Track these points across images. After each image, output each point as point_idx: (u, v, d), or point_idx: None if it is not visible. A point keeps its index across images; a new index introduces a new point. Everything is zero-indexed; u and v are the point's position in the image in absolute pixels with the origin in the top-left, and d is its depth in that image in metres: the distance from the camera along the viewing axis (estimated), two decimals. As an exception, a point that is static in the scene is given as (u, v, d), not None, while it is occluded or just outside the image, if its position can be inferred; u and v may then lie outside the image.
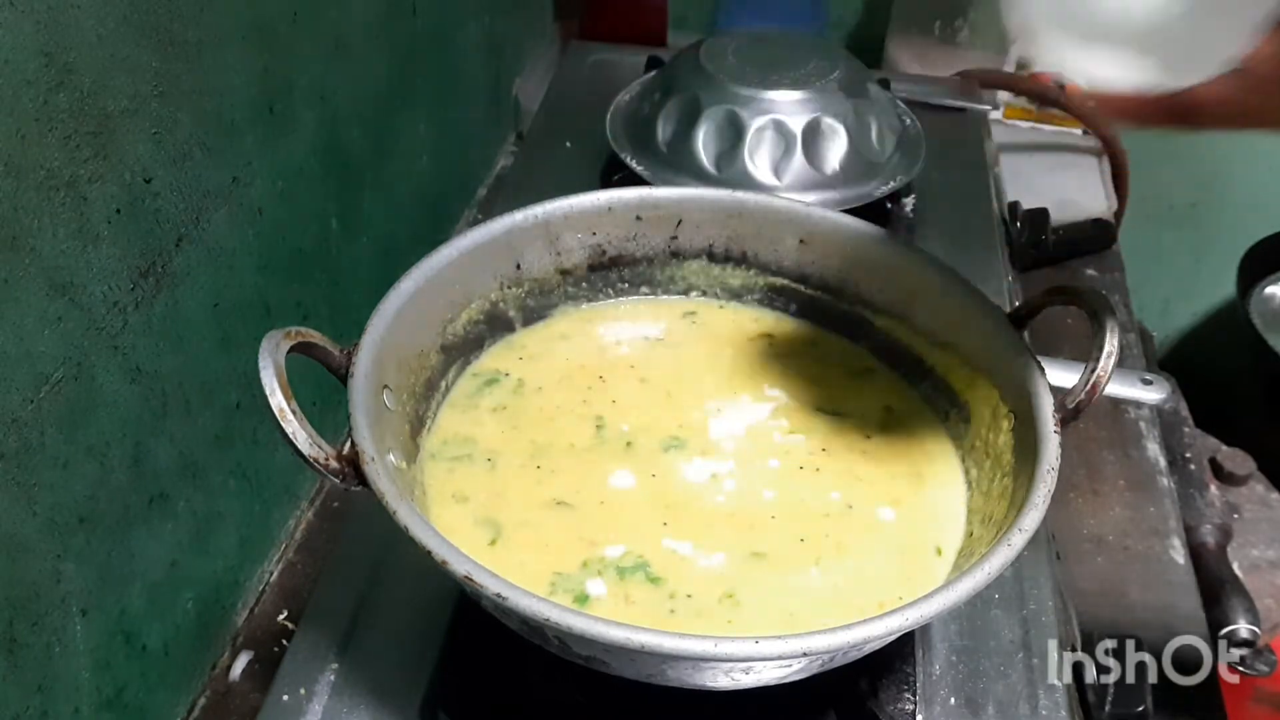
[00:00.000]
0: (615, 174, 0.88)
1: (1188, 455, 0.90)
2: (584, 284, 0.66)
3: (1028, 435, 0.52)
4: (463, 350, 0.61)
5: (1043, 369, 0.54)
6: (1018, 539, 0.45)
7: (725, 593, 0.52)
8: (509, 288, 0.63)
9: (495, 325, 0.63)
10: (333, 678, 0.57)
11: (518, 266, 0.62)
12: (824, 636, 0.41)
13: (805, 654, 0.41)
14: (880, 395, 0.63)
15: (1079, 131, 1.24)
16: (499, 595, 0.41)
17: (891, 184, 0.85)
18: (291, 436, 0.45)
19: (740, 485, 0.57)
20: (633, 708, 0.53)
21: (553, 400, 0.62)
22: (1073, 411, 0.52)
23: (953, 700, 0.57)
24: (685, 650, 0.40)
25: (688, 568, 0.53)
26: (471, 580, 0.42)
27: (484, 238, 0.60)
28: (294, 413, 0.45)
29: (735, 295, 0.67)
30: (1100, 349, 0.52)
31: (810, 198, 0.81)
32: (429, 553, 0.43)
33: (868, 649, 0.46)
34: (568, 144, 0.97)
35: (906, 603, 0.43)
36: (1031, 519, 0.46)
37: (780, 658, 0.41)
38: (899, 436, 0.61)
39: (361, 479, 0.46)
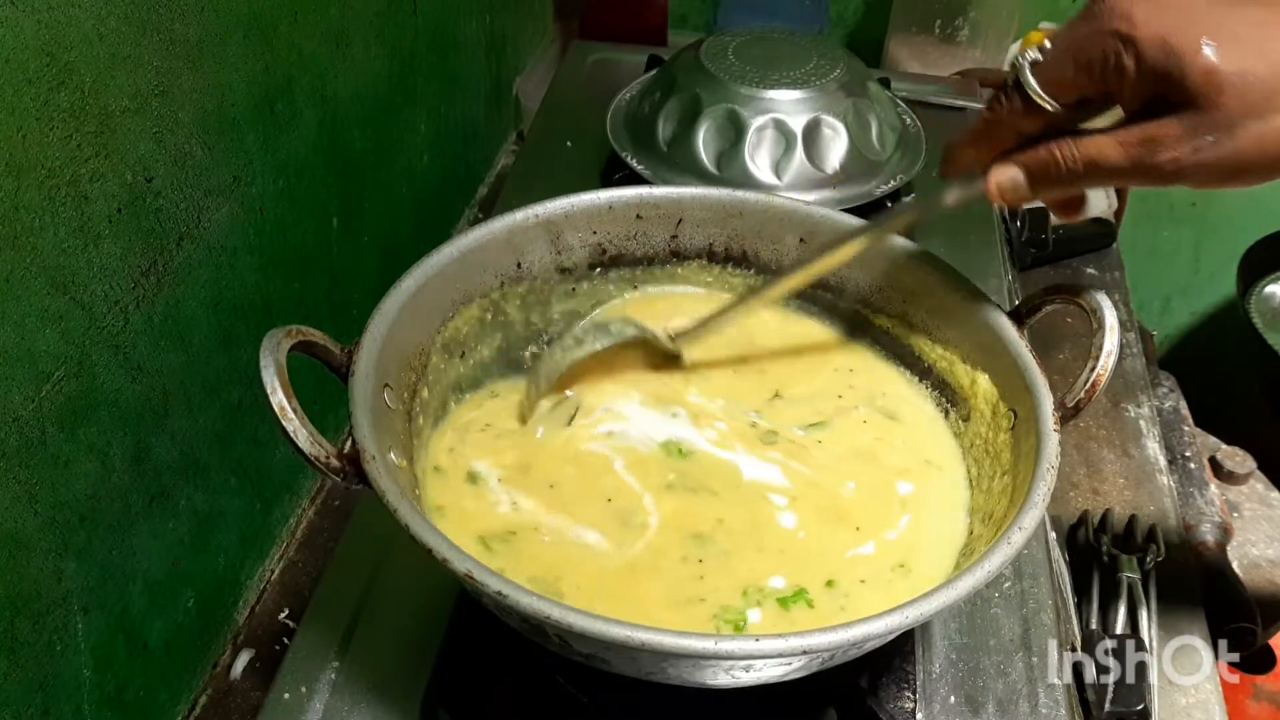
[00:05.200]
0: (616, 173, 0.88)
1: (1187, 454, 0.90)
2: (584, 283, 0.66)
3: (1028, 434, 0.52)
4: (462, 348, 0.61)
5: (1043, 367, 0.54)
6: (1018, 537, 0.45)
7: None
8: (510, 286, 0.63)
9: (495, 324, 0.63)
10: (334, 675, 0.57)
11: (518, 265, 0.62)
12: (824, 635, 0.41)
13: (805, 652, 0.41)
14: (881, 394, 0.63)
15: (1079, 131, 1.24)
16: (499, 593, 0.41)
17: (892, 183, 0.85)
18: (292, 435, 0.45)
19: (740, 488, 0.57)
20: (633, 704, 0.53)
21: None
22: (1072, 410, 0.52)
23: (952, 698, 0.57)
24: (686, 648, 0.40)
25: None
26: (472, 578, 0.42)
27: (485, 236, 0.60)
28: (295, 411, 0.45)
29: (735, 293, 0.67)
30: (1100, 348, 0.52)
31: (810, 197, 0.81)
32: (429, 551, 0.43)
33: (868, 647, 0.46)
34: (568, 143, 0.97)
35: (906, 601, 0.43)
36: (1031, 517, 0.46)
37: (780, 655, 0.41)
38: (899, 435, 0.61)
39: (362, 477, 0.46)
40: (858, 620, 0.42)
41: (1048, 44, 0.46)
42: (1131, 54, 0.43)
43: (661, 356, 0.63)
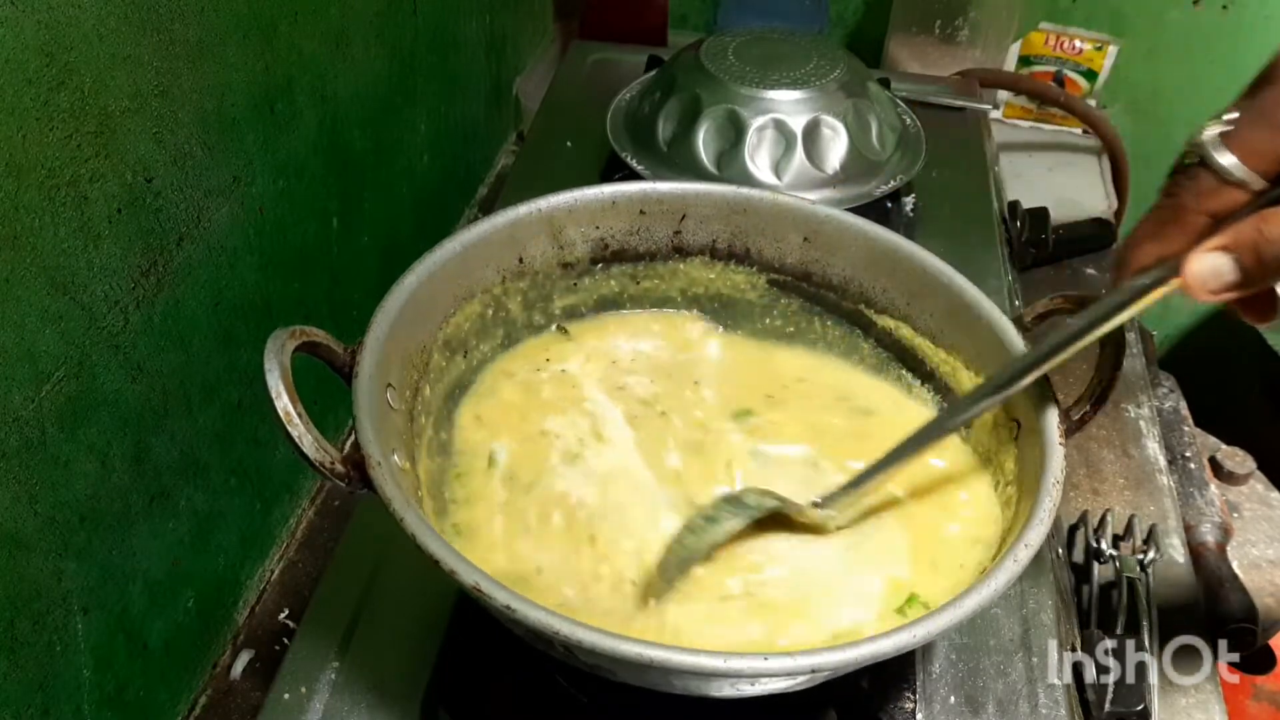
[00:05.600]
0: (616, 173, 0.88)
1: (1187, 454, 0.90)
2: (586, 278, 0.65)
3: (1032, 445, 0.51)
4: (464, 345, 0.61)
5: (1048, 378, 0.52)
6: (1024, 554, 0.45)
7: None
8: (511, 281, 0.62)
9: (496, 320, 0.63)
10: (334, 676, 0.57)
11: (520, 260, 0.62)
12: (832, 654, 0.41)
13: (813, 671, 0.41)
14: (884, 397, 0.63)
15: (1079, 131, 1.24)
16: (508, 607, 0.41)
17: (892, 183, 0.85)
18: (298, 440, 0.44)
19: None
20: (633, 705, 0.53)
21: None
22: (1077, 424, 0.51)
23: (952, 699, 0.57)
24: (695, 666, 0.40)
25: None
26: (480, 590, 0.41)
27: (488, 231, 0.60)
28: (300, 416, 0.44)
29: (738, 291, 0.67)
30: (1107, 363, 0.51)
31: (811, 197, 0.80)
32: (437, 562, 0.42)
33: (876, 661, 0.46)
34: (568, 143, 0.96)
35: (913, 620, 0.42)
36: (1037, 534, 0.45)
37: (788, 674, 0.41)
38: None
39: (367, 483, 0.45)
40: (865, 640, 0.41)
41: (1227, 117, 0.41)
42: None
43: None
